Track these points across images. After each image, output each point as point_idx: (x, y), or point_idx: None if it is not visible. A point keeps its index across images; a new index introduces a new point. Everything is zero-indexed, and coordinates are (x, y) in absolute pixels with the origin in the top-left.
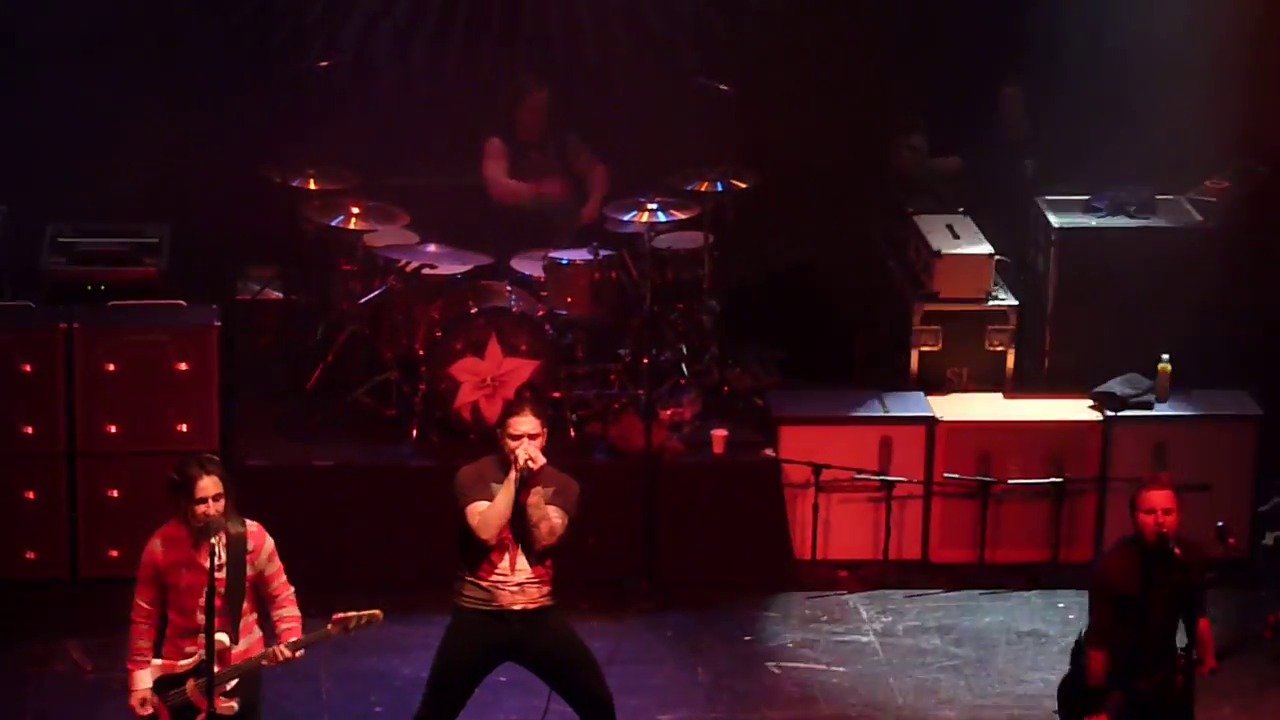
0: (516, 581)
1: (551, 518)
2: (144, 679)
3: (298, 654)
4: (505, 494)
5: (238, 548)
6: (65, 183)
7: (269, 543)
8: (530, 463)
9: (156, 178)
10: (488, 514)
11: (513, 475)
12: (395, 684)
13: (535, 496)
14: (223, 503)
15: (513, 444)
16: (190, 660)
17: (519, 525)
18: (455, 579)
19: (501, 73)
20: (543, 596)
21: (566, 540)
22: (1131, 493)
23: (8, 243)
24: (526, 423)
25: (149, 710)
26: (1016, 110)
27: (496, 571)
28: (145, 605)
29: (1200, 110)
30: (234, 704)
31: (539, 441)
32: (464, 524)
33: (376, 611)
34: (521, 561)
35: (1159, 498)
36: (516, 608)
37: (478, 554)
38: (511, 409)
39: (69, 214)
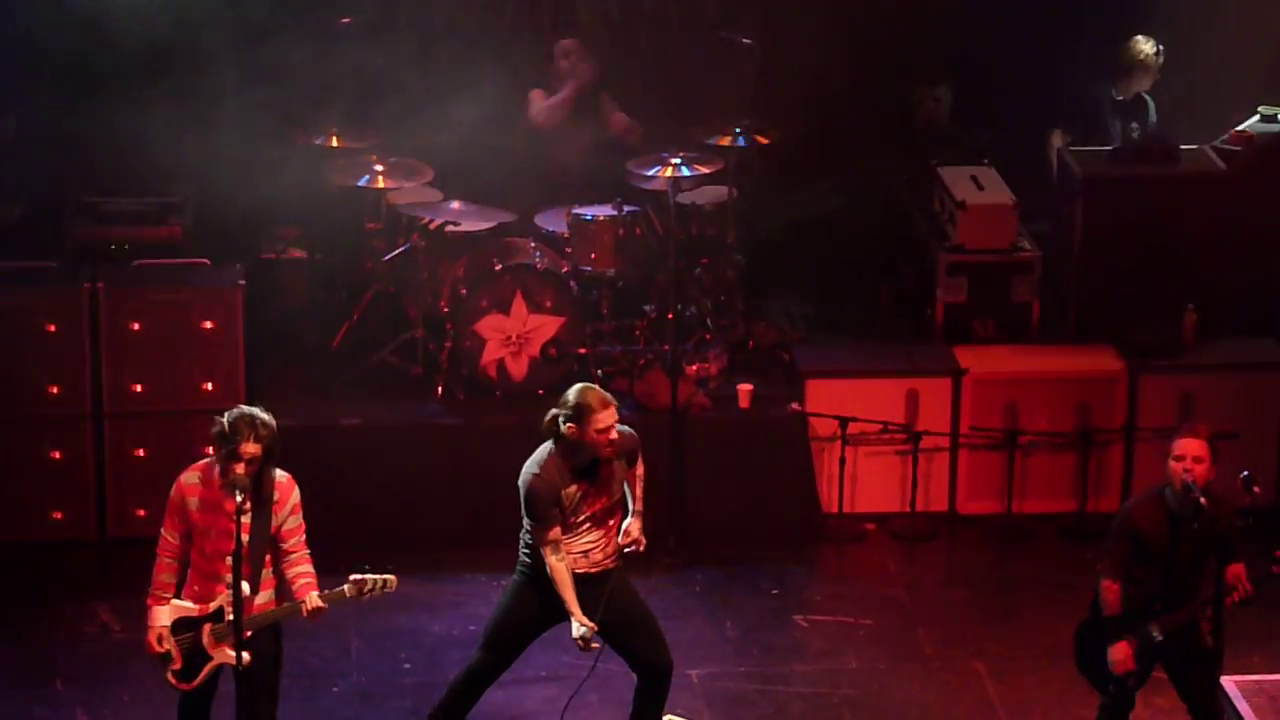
0: (583, 549)
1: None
2: (162, 615)
3: (325, 606)
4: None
5: (265, 498)
6: (88, 145)
7: (294, 497)
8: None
9: (179, 139)
10: (555, 571)
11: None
12: (424, 641)
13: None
14: (256, 468)
15: (599, 438)
16: (208, 605)
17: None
18: (522, 540)
19: (524, 29)
20: (607, 559)
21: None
22: (1167, 439)
23: (32, 203)
24: (609, 415)
25: (165, 648)
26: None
27: (574, 542)
28: (172, 539)
29: (1225, 59)
30: (248, 655)
31: (615, 429)
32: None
33: (392, 576)
34: (586, 536)
35: (1191, 445)
36: (578, 571)
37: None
38: (590, 405)
39: (93, 177)
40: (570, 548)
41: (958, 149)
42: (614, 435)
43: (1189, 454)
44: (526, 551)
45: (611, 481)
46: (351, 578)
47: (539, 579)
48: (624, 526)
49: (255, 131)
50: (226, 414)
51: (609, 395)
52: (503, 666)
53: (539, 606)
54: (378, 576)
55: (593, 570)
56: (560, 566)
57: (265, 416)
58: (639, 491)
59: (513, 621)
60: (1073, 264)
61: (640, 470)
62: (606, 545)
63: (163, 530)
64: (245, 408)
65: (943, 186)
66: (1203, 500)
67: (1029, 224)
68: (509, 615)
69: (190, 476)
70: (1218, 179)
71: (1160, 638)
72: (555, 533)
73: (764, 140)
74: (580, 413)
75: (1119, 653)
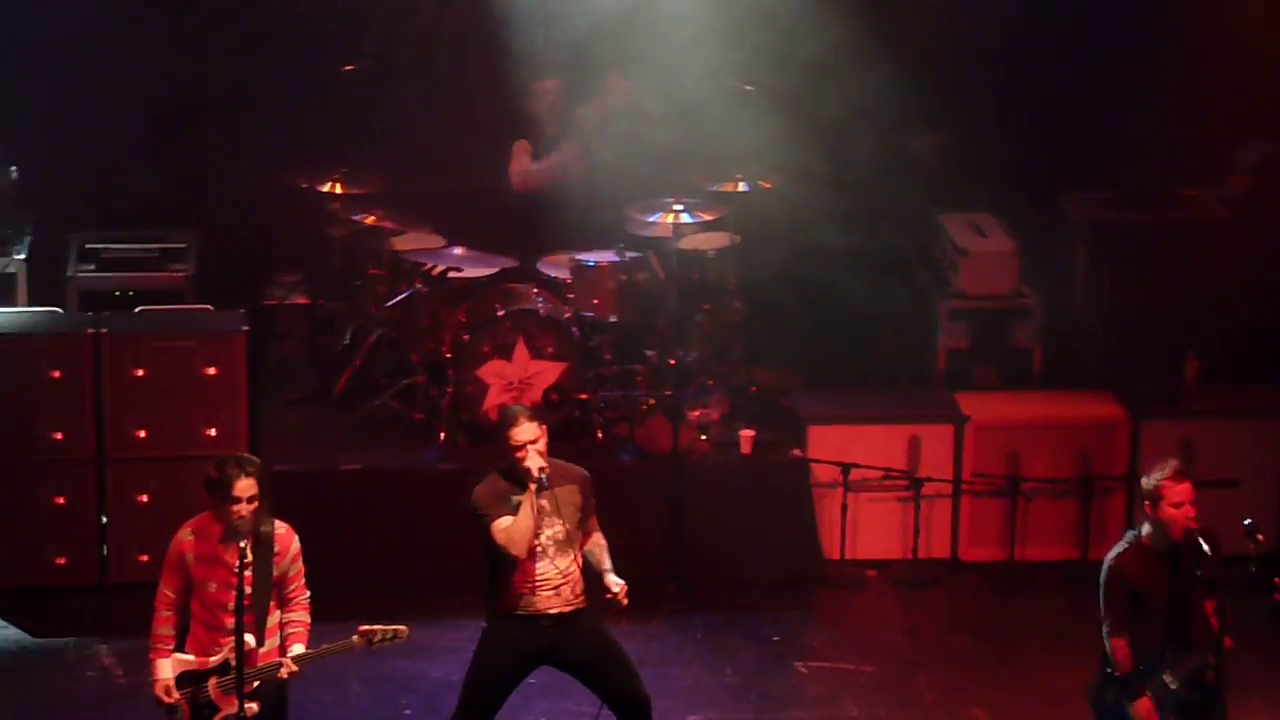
0: (551, 586)
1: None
2: (166, 668)
3: (299, 668)
4: (526, 508)
5: (265, 548)
6: (90, 191)
7: (295, 545)
8: (542, 471)
9: (181, 186)
10: (512, 530)
11: (530, 489)
12: (424, 687)
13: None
14: (256, 505)
15: (519, 454)
16: (214, 658)
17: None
18: (487, 588)
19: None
20: (576, 598)
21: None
22: (1150, 485)
23: (35, 249)
24: (526, 431)
25: (174, 698)
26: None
27: (529, 578)
28: (170, 594)
29: (1222, 103)
30: (256, 706)
31: (541, 443)
32: (490, 542)
33: (403, 628)
34: (552, 567)
35: (1188, 491)
36: (552, 611)
37: (509, 565)
38: (506, 421)
39: (95, 222)
40: (539, 586)
41: (958, 197)
42: (529, 451)
43: (1187, 499)
44: (490, 601)
45: (562, 509)
46: (360, 629)
47: (503, 629)
48: (605, 580)
49: (258, 178)
50: (213, 464)
51: (536, 415)
52: (487, 716)
53: (514, 650)
54: (388, 627)
55: (565, 610)
56: (513, 521)
57: (249, 456)
58: (605, 559)
59: (488, 669)
60: (1074, 310)
61: (600, 539)
62: (574, 584)
63: (160, 586)
64: (230, 455)
65: (944, 233)
66: (1206, 547)
67: (1029, 272)
68: (483, 662)
69: (187, 533)
70: (1219, 226)
71: (1175, 686)
72: (503, 521)
73: (766, 186)
74: (500, 426)
75: (1142, 709)
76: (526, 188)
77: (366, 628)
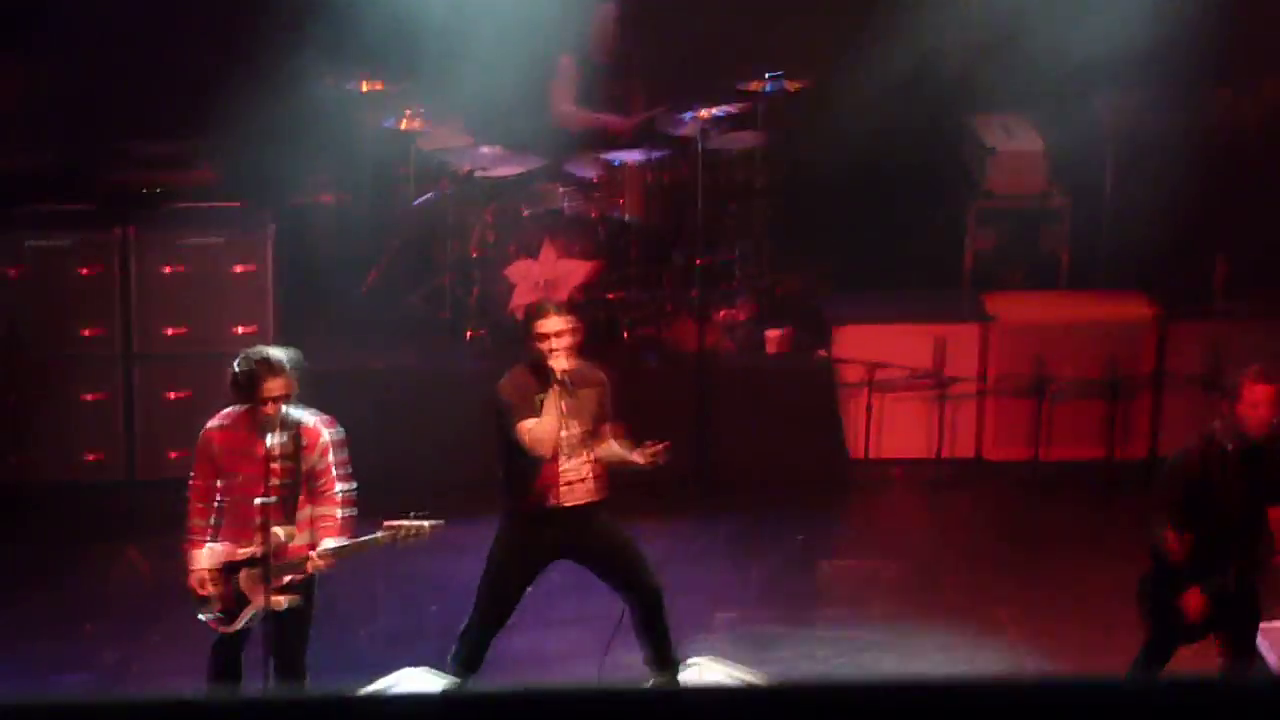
0: (566, 480)
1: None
2: (200, 558)
3: (328, 561)
4: (551, 409)
5: (294, 441)
6: (120, 98)
7: (324, 438)
8: (565, 374)
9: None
10: (537, 430)
11: (554, 389)
12: (451, 586)
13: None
14: (286, 400)
15: (542, 345)
16: (246, 551)
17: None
18: (503, 485)
19: None
20: (591, 492)
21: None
22: (1231, 382)
23: (65, 149)
24: (554, 323)
25: (208, 590)
26: None
27: (547, 476)
28: (201, 484)
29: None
30: (285, 599)
31: (568, 340)
32: (515, 440)
33: (425, 524)
34: (569, 464)
35: (1265, 393)
36: (567, 505)
37: (531, 462)
38: (534, 313)
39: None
40: (556, 482)
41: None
42: (556, 343)
43: (1265, 401)
44: (506, 497)
45: (584, 410)
46: (385, 523)
47: (519, 525)
48: (633, 456)
49: (287, 76)
50: (238, 361)
51: (562, 309)
52: (506, 612)
53: (532, 545)
54: (413, 523)
55: (579, 504)
56: (537, 422)
57: (279, 353)
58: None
59: (506, 564)
60: (1103, 212)
61: (612, 444)
62: (589, 481)
63: (192, 476)
64: (256, 350)
65: (972, 133)
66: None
67: (1059, 175)
68: (501, 558)
69: (216, 423)
70: (1250, 129)
71: (1233, 588)
72: (528, 422)
73: (794, 86)
74: (528, 318)
75: (1191, 602)
76: (565, 124)
77: (392, 523)
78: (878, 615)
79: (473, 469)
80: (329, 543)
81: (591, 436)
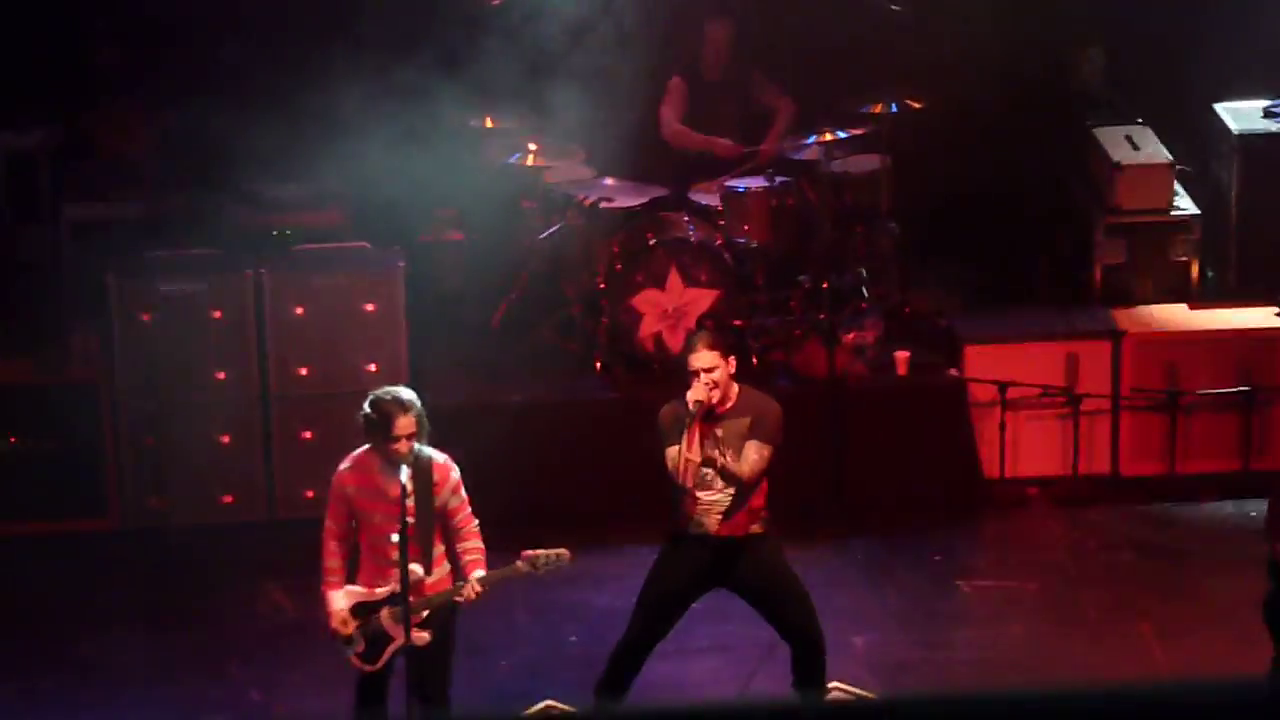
0: (720, 510)
1: (746, 457)
2: (339, 599)
3: (482, 589)
4: (686, 437)
5: (425, 479)
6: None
7: (454, 475)
8: (698, 405)
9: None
10: (675, 457)
11: (692, 420)
12: (589, 615)
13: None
14: (414, 440)
15: (692, 380)
16: (384, 589)
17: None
18: (669, 505)
19: (684, 7)
20: (750, 525)
21: (772, 468)
22: None
23: (194, 194)
24: (701, 358)
25: (349, 630)
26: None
27: (696, 502)
28: (335, 527)
29: None
30: (426, 634)
31: (718, 373)
32: (662, 466)
33: (565, 551)
34: (719, 493)
35: None
36: (724, 535)
37: (675, 488)
38: (688, 344)
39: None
40: (707, 510)
41: (1113, 111)
42: (705, 379)
43: None
44: (669, 521)
45: (730, 440)
46: (524, 554)
47: (681, 543)
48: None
49: (411, 115)
50: (368, 402)
51: (718, 343)
52: (656, 635)
53: (685, 570)
54: (550, 551)
55: (735, 535)
56: (676, 449)
57: (408, 392)
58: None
59: (658, 587)
60: (1231, 222)
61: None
62: (745, 511)
63: (326, 520)
64: (384, 389)
65: (1098, 148)
66: None
67: (1186, 184)
68: (655, 580)
69: (345, 468)
70: None
71: None
72: (673, 448)
73: (916, 106)
74: (685, 349)
75: None
76: (677, 144)
77: (530, 553)
78: (1018, 635)
79: (607, 500)
80: (478, 573)
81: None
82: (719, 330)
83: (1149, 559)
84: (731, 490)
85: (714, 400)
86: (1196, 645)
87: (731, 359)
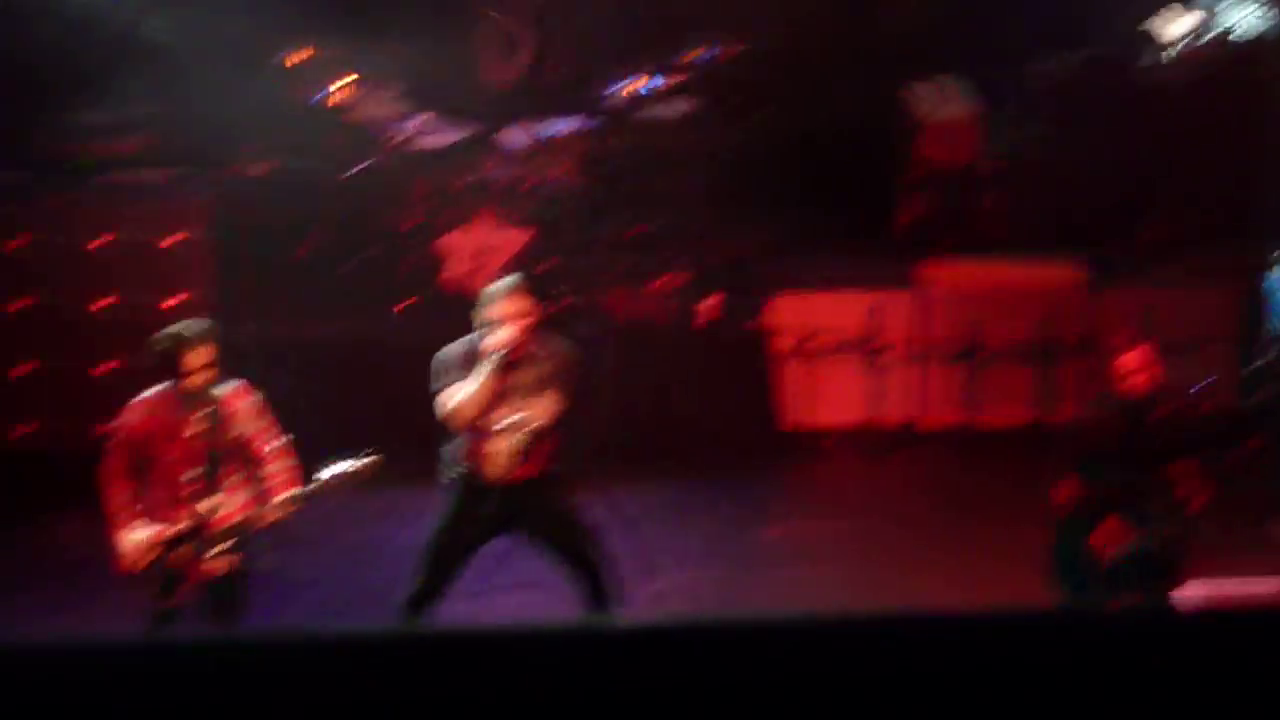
0: (511, 453)
1: (539, 402)
2: (132, 537)
3: (293, 508)
4: (479, 382)
5: (219, 412)
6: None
7: (251, 402)
8: (499, 349)
9: (147, 56)
10: (461, 401)
11: (489, 362)
12: (393, 552)
13: (518, 378)
14: (211, 373)
15: (496, 325)
16: (176, 526)
17: (503, 406)
18: (444, 453)
19: None
20: (532, 469)
21: (568, 413)
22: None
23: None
24: (506, 304)
25: (142, 567)
26: None
27: (481, 449)
28: (120, 467)
29: None
30: (223, 564)
31: (523, 319)
32: (438, 410)
33: (368, 462)
34: (509, 439)
35: (1136, 358)
36: (517, 478)
37: (455, 433)
38: (493, 289)
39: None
40: (491, 456)
41: (926, 62)
42: (511, 324)
43: (1136, 366)
44: (446, 467)
45: (526, 385)
46: (331, 466)
47: (469, 487)
48: None
49: (225, 46)
50: (158, 339)
51: (523, 291)
52: (448, 582)
53: (475, 515)
54: (350, 465)
55: (517, 479)
56: (462, 393)
57: (201, 325)
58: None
59: (448, 534)
60: (1035, 176)
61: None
62: (530, 455)
63: (113, 456)
64: (176, 326)
65: (910, 98)
66: (1160, 405)
67: (991, 137)
68: (444, 529)
69: (136, 405)
70: (1177, 90)
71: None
72: (448, 393)
73: (731, 53)
74: (490, 293)
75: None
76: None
77: (334, 467)
78: (809, 577)
79: (404, 437)
80: (285, 494)
81: (535, 408)
82: (525, 275)
83: (945, 506)
84: (523, 434)
85: (516, 346)
86: (990, 587)
87: (537, 305)
